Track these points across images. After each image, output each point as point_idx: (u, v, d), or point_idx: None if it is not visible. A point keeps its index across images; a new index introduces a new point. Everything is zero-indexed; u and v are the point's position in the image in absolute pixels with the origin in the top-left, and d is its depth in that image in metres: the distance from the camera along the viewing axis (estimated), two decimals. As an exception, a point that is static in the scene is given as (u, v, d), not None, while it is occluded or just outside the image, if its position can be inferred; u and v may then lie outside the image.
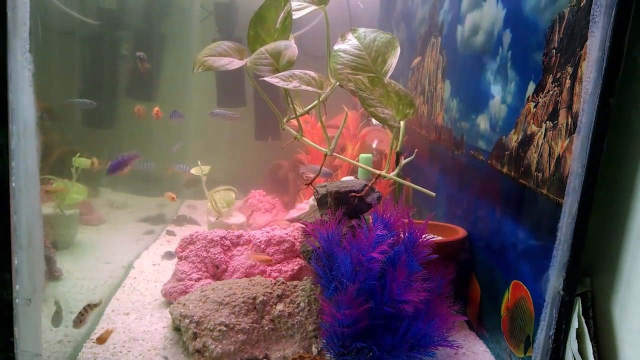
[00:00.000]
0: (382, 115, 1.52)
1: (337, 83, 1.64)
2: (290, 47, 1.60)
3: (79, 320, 1.45)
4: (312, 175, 1.86)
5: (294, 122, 1.79)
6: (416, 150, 1.73)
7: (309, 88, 1.52)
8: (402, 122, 1.71)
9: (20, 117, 1.14)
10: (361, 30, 1.69)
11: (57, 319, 1.49)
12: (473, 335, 1.82)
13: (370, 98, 1.51)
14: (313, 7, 1.69)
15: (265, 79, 1.53)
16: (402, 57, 3.03)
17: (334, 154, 1.71)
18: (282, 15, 1.64)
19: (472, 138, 1.88)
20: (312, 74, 1.56)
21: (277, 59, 1.59)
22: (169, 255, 2.51)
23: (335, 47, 1.67)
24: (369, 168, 1.75)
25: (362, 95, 1.51)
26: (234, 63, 1.63)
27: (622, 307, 1.23)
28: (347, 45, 1.67)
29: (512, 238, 1.54)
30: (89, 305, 1.48)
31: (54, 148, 2.20)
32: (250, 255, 2.06)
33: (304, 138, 1.76)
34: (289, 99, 1.72)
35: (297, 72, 1.54)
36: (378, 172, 1.66)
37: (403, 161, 1.74)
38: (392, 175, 1.65)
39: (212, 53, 1.64)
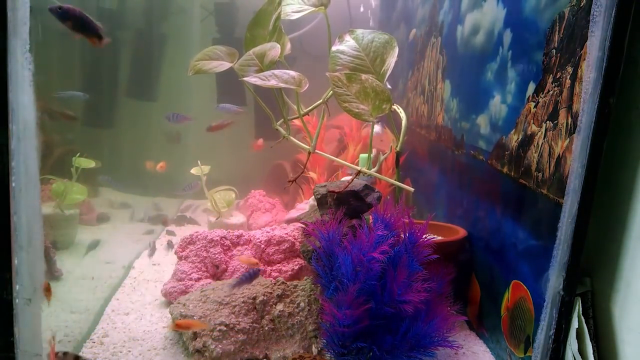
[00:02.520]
0: (357, 111, 1.53)
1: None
2: (274, 47, 1.62)
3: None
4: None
5: (296, 122, 1.80)
6: (391, 145, 1.74)
7: (286, 86, 1.54)
8: (404, 122, 1.71)
9: (20, 117, 1.14)
10: (359, 31, 1.69)
11: None
12: (473, 335, 1.82)
13: (346, 94, 1.54)
14: (312, 9, 1.70)
15: (245, 79, 1.55)
16: (402, 57, 3.03)
17: (316, 151, 1.75)
18: (274, 17, 1.65)
19: (472, 138, 1.88)
20: (292, 73, 1.57)
21: (261, 60, 1.61)
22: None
23: (334, 49, 1.67)
24: (351, 165, 1.77)
25: (337, 91, 1.53)
26: (223, 65, 1.67)
27: (622, 307, 1.23)
28: (345, 46, 1.67)
29: (512, 238, 1.54)
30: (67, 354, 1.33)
31: (54, 148, 2.19)
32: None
33: (291, 138, 1.77)
34: (283, 100, 1.73)
35: (277, 72, 1.56)
36: (358, 168, 1.67)
37: (381, 157, 1.76)
38: (372, 171, 1.66)
39: (204, 57, 1.68)
